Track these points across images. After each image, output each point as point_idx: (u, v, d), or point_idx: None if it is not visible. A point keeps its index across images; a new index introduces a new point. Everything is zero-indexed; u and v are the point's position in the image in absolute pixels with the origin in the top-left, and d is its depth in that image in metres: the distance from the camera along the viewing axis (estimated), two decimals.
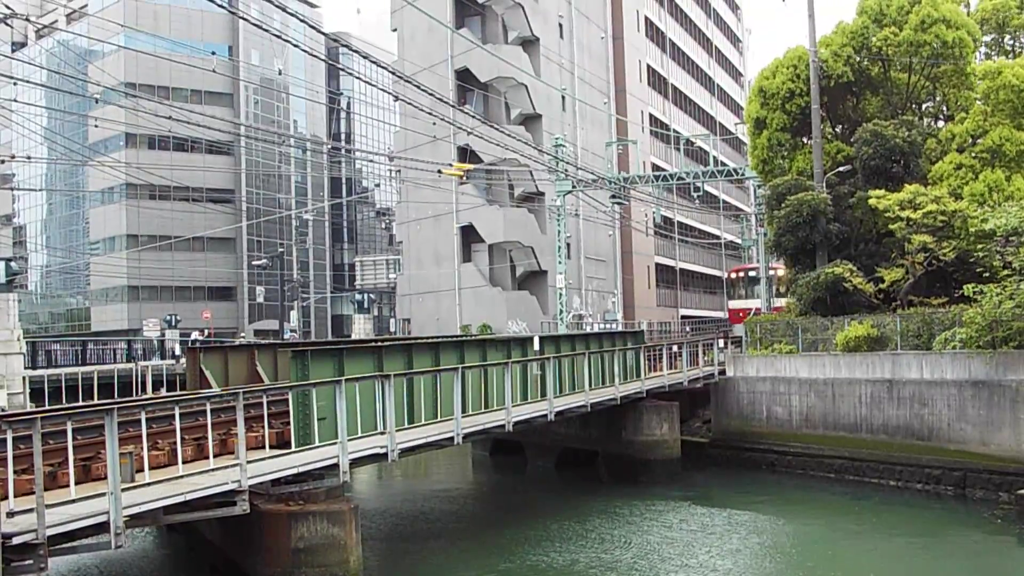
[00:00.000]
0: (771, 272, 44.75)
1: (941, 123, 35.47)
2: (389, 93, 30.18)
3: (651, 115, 74.93)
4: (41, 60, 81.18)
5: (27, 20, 27.90)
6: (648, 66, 75.77)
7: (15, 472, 11.21)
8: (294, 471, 13.96)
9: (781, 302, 41.54)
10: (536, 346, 24.47)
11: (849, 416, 26.30)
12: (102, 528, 10.73)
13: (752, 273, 47.86)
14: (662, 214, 59.11)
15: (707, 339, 33.60)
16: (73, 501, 10.84)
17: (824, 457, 26.62)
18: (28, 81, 32.69)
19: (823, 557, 18.52)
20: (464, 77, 57.60)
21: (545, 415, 21.18)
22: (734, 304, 49.66)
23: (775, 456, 27.76)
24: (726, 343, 34.31)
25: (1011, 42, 37.08)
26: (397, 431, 15.87)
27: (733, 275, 51.93)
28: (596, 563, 17.79)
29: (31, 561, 9.98)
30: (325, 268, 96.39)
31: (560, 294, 44.28)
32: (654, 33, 77.92)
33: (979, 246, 26.11)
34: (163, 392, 30.36)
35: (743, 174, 42.96)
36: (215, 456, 13.41)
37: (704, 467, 28.73)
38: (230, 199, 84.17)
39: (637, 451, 26.64)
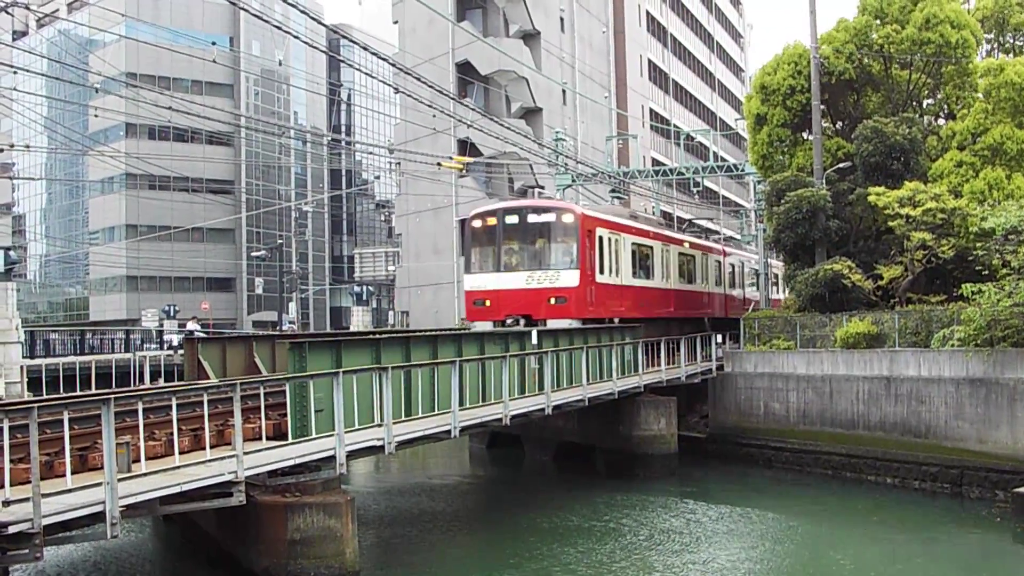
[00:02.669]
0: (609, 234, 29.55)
1: (942, 120, 35.40)
2: (390, 85, 29.96)
3: (651, 110, 74.88)
4: (42, 49, 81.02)
5: (28, 9, 27.85)
6: (649, 61, 75.69)
7: (12, 461, 11.20)
8: (291, 463, 13.96)
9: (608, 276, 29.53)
10: (534, 340, 24.44)
11: (846, 413, 26.28)
12: (98, 518, 10.75)
13: (519, 219, 28.13)
14: (662, 209, 58.98)
15: (704, 334, 33.49)
16: (69, 491, 10.84)
17: (821, 454, 26.60)
18: (28, 70, 32.67)
19: (820, 555, 18.54)
20: (465, 70, 57.58)
21: (543, 409, 21.17)
22: (475, 281, 28.52)
23: (772, 452, 27.76)
24: (724, 339, 34.23)
25: (1011, 40, 36.98)
26: (394, 423, 15.86)
27: (477, 223, 28.74)
28: (622, 557, 17.71)
29: (27, 550, 10.01)
30: (324, 260, 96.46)
31: None
32: (655, 28, 77.82)
33: (978, 244, 26.07)
34: (161, 382, 30.35)
35: (743, 170, 42.92)
36: (212, 447, 13.40)
37: (701, 462, 28.71)
38: (230, 190, 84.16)
39: (634, 446, 26.62)
